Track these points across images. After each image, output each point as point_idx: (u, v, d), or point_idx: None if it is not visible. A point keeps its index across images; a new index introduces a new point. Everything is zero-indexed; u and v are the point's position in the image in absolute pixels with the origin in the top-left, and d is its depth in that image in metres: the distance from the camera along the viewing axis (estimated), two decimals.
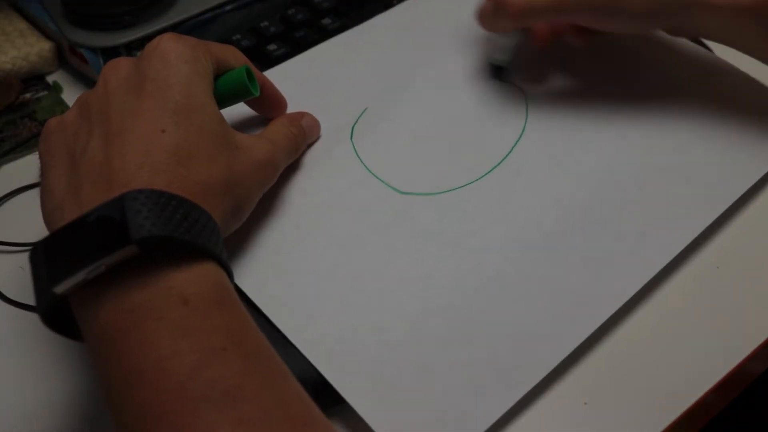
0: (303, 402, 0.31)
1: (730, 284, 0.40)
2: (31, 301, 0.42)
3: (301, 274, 0.40)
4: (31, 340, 0.41)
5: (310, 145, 0.46)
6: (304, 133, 0.45)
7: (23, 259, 0.45)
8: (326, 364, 0.36)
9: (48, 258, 0.31)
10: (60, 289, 0.30)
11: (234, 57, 0.41)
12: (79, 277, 0.30)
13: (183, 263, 0.31)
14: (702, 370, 0.37)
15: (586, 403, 0.36)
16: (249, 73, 0.41)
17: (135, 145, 0.34)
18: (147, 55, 0.37)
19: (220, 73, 0.40)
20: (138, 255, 0.31)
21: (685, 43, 0.50)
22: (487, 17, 0.46)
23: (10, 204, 0.48)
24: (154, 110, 0.35)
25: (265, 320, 0.38)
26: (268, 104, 0.45)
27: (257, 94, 0.42)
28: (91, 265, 0.30)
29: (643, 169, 0.43)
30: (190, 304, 0.30)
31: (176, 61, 0.36)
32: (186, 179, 0.34)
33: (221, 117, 0.38)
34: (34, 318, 0.41)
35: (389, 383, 0.35)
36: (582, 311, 0.37)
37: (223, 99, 0.40)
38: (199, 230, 0.32)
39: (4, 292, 0.42)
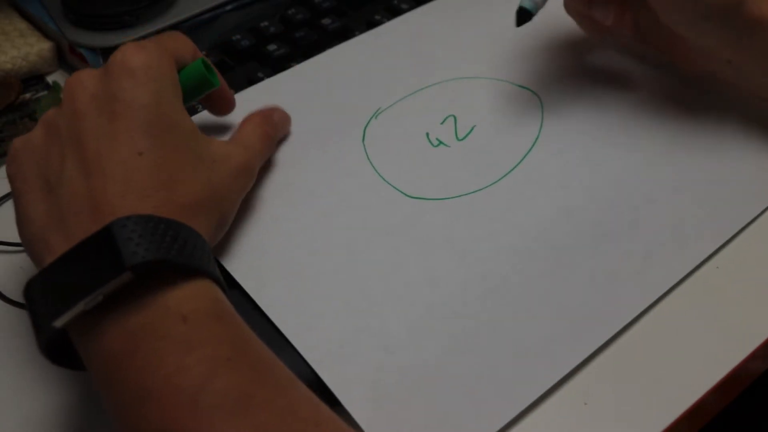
0: (313, 404, 0.31)
1: (730, 284, 0.40)
2: None
3: (306, 275, 0.40)
4: (32, 341, 0.40)
5: (280, 141, 0.46)
6: (278, 131, 0.45)
7: (23, 259, 0.45)
8: (325, 368, 0.36)
9: (44, 293, 0.31)
10: (59, 322, 0.30)
11: (186, 49, 0.40)
12: (78, 309, 0.30)
13: (178, 282, 0.31)
14: (702, 370, 0.37)
15: (586, 404, 0.36)
16: (206, 64, 0.40)
17: (114, 171, 0.33)
18: (113, 72, 0.36)
19: (178, 69, 0.39)
20: (133, 280, 0.30)
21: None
22: None
23: (10, 204, 0.48)
24: (128, 132, 0.34)
25: (262, 323, 0.38)
26: (219, 101, 0.44)
27: (218, 84, 0.41)
28: (88, 296, 0.30)
29: (656, 188, 0.43)
30: (190, 320, 0.30)
31: (144, 79, 0.35)
32: (170, 202, 0.34)
33: (195, 130, 0.37)
34: None
35: (387, 390, 0.35)
36: (583, 330, 0.37)
37: (186, 95, 0.39)
38: (190, 250, 0.32)
39: (4, 293, 0.42)
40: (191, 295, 0.31)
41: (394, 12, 0.57)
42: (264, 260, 0.41)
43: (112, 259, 0.30)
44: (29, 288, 0.32)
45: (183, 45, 0.40)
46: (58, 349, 0.33)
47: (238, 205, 0.40)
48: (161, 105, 0.36)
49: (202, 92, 0.41)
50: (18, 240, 0.45)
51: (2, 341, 0.41)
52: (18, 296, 0.42)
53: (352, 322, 0.38)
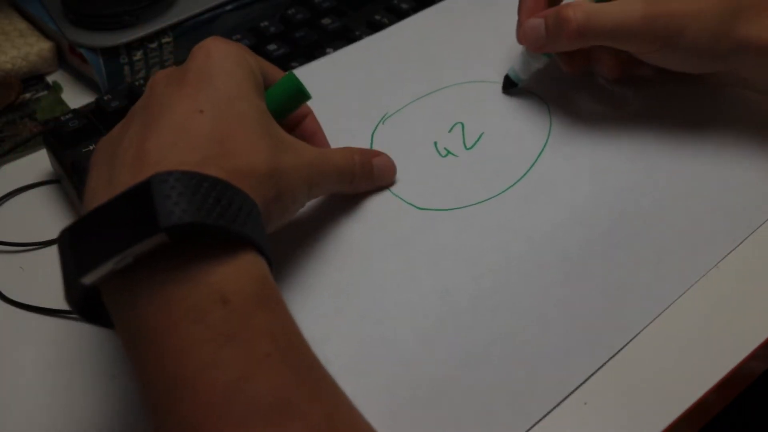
0: (351, 413, 0.30)
1: (730, 284, 0.40)
2: (31, 301, 0.42)
3: (316, 286, 0.39)
4: (31, 341, 0.40)
5: (381, 189, 0.44)
6: (371, 170, 0.42)
7: (23, 259, 0.45)
8: (339, 380, 0.36)
9: (74, 245, 0.29)
10: (88, 279, 0.29)
11: (275, 70, 0.40)
12: (107, 267, 0.28)
13: (221, 254, 0.29)
14: (702, 370, 0.37)
15: (586, 403, 0.36)
16: (296, 77, 0.39)
17: (171, 125, 0.32)
18: (192, 54, 0.36)
19: (267, 85, 0.38)
20: (170, 244, 0.29)
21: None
22: (536, 36, 0.43)
23: (10, 204, 0.48)
24: (194, 94, 0.33)
25: None
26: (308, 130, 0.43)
27: (310, 96, 0.39)
28: (118, 254, 0.28)
29: (666, 195, 0.42)
30: (231, 303, 0.29)
31: (218, 55, 0.35)
32: (221, 158, 0.31)
33: (266, 110, 0.35)
34: (34, 318, 0.41)
35: (400, 403, 0.35)
36: (595, 341, 0.37)
37: (280, 108, 0.38)
38: (233, 214, 0.29)
39: (4, 292, 0.42)
40: (235, 273, 0.29)
41: (394, 12, 0.57)
42: (275, 272, 0.40)
43: (147, 217, 0.28)
44: (61, 239, 0.30)
45: (273, 67, 0.39)
46: (89, 305, 0.31)
47: (300, 199, 0.37)
48: (232, 78, 0.34)
49: (296, 105, 0.40)
50: (18, 240, 0.45)
51: (2, 341, 0.41)
52: (18, 296, 0.42)
53: (365, 334, 0.37)
